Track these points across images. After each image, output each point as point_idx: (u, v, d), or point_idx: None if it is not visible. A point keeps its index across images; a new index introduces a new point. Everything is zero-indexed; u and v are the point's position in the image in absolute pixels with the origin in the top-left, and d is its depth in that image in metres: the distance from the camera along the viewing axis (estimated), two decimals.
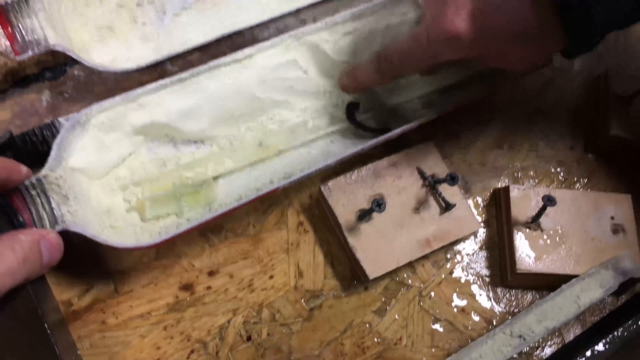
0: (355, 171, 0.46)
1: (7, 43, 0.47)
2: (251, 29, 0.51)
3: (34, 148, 0.41)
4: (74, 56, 0.44)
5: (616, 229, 0.48)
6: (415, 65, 0.44)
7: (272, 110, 0.47)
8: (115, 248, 0.39)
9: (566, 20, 0.38)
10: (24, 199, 0.38)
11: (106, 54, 0.48)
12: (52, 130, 0.41)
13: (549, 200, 0.44)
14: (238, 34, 0.50)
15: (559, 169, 0.52)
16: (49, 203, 0.38)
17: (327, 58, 0.48)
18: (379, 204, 0.42)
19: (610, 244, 0.47)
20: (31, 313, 0.37)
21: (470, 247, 0.48)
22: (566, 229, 0.47)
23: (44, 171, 0.38)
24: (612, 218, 0.48)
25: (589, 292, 0.45)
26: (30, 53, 0.43)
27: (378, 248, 0.44)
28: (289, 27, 0.52)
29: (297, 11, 0.51)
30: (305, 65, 0.47)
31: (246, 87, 0.45)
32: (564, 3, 0.37)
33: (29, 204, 0.38)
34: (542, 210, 0.45)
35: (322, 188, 0.45)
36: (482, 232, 0.49)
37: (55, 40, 0.44)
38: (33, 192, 0.38)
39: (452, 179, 0.44)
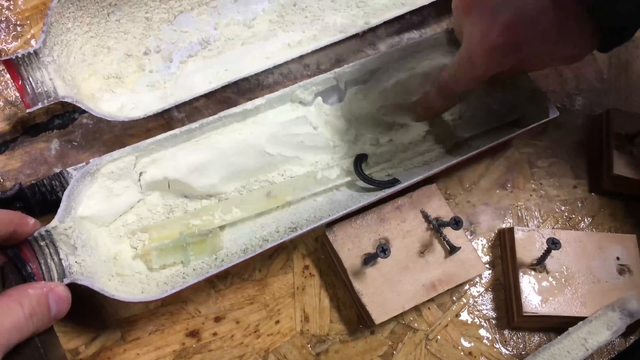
0: (360, 215, 0.47)
1: (17, 93, 0.49)
2: (256, 74, 0.52)
3: (43, 198, 0.42)
4: (82, 107, 0.45)
5: (622, 270, 0.48)
6: (470, 83, 0.46)
7: (282, 166, 0.47)
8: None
9: (596, 19, 0.40)
10: (33, 250, 0.38)
11: (114, 102, 0.49)
12: (60, 180, 0.42)
13: (553, 244, 0.44)
14: (243, 79, 0.51)
15: (563, 208, 0.52)
16: (58, 254, 0.39)
17: (336, 115, 0.49)
18: (383, 250, 0.42)
19: (617, 284, 0.47)
20: None
21: (475, 289, 0.48)
22: (572, 270, 0.47)
23: (54, 223, 0.39)
24: (618, 259, 0.48)
25: (597, 335, 0.45)
26: (40, 105, 0.45)
27: (384, 292, 0.44)
28: (292, 72, 0.53)
29: (301, 57, 0.52)
30: (315, 121, 0.48)
31: (257, 144, 0.46)
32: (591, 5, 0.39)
33: (38, 255, 0.38)
34: (546, 252, 0.45)
35: (328, 232, 0.46)
36: (487, 274, 0.49)
37: (64, 91, 0.46)
38: (42, 243, 0.39)
39: (456, 223, 0.44)
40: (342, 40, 0.53)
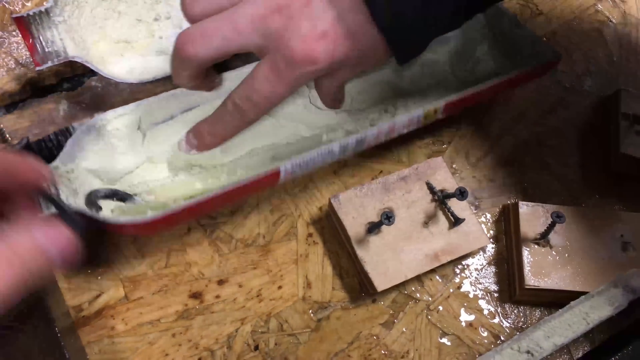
0: (365, 185, 0.47)
1: (27, 54, 0.49)
2: None
3: (50, 153, 0.42)
4: (92, 67, 0.45)
5: (625, 247, 0.48)
6: (278, 97, 0.40)
7: (287, 131, 0.48)
8: (122, 227, 0.38)
9: (389, 41, 0.39)
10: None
11: (123, 65, 0.49)
12: (66, 136, 0.42)
13: (557, 217, 0.44)
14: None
15: (570, 187, 0.52)
16: (58, 194, 0.38)
17: None
18: (388, 217, 0.42)
19: (620, 261, 0.47)
20: (43, 319, 0.38)
21: (478, 262, 0.48)
22: (575, 245, 0.47)
23: (55, 163, 0.40)
24: (622, 236, 0.48)
25: (598, 310, 0.45)
26: (49, 64, 0.45)
27: (387, 261, 0.44)
28: None
29: None
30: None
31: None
32: (384, 27, 0.38)
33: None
34: (551, 226, 0.45)
35: (332, 200, 0.46)
36: (490, 248, 0.49)
37: (74, 52, 0.46)
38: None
39: (461, 194, 0.44)
40: None
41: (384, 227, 0.45)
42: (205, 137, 0.44)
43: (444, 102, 0.47)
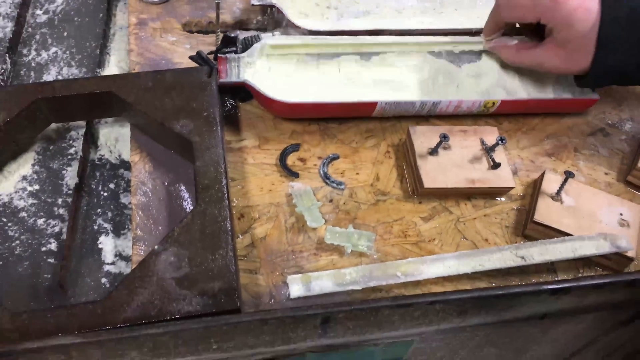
0: (436, 126, 0.66)
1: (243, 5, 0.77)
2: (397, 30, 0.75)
3: (245, 45, 0.67)
4: (284, 13, 0.71)
5: (622, 223, 0.62)
6: (519, 16, 0.66)
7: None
8: (272, 99, 0.62)
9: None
10: (226, 62, 0.63)
11: (301, 24, 0.75)
12: (256, 39, 0.68)
13: (569, 173, 0.60)
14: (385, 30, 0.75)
15: (592, 183, 0.68)
16: (238, 68, 0.63)
17: None
18: (445, 136, 0.61)
19: (615, 230, 0.61)
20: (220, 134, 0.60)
21: (506, 205, 0.64)
22: (581, 208, 0.62)
23: (244, 54, 0.64)
24: (621, 214, 0.62)
25: (585, 249, 0.58)
26: (261, 3, 0.72)
27: (437, 172, 0.62)
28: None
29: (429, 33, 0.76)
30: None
31: None
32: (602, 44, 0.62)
33: (227, 65, 0.63)
34: (564, 182, 0.61)
35: (410, 128, 0.66)
36: (517, 201, 0.65)
37: (276, 2, 0.73)
38: (233, 63, 0.64)
39: (501, 140, 0.62)
40: (461, 33, 0.76)
41: (440, 151, 0.63)
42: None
43: (501, 98, 0.67)
